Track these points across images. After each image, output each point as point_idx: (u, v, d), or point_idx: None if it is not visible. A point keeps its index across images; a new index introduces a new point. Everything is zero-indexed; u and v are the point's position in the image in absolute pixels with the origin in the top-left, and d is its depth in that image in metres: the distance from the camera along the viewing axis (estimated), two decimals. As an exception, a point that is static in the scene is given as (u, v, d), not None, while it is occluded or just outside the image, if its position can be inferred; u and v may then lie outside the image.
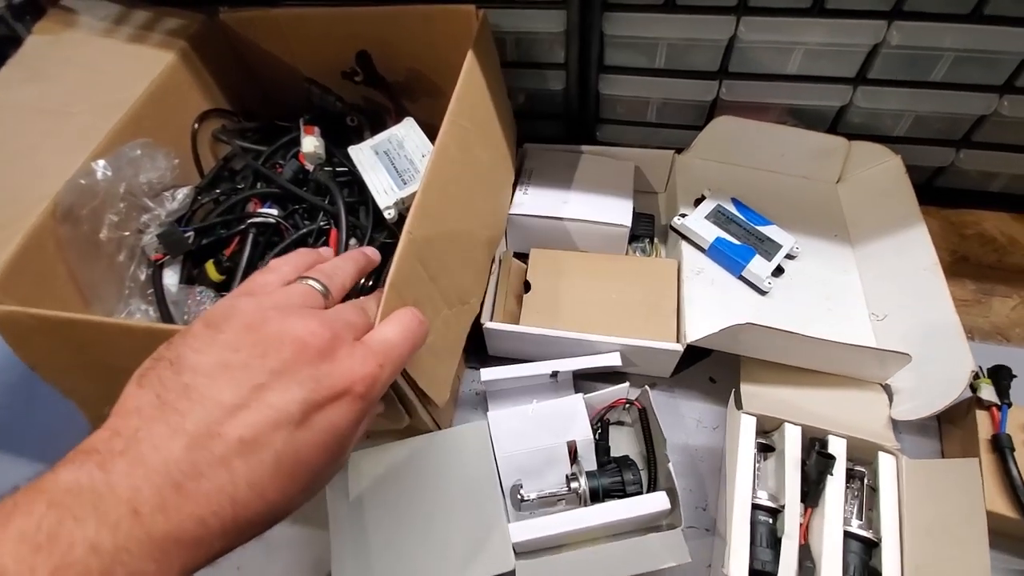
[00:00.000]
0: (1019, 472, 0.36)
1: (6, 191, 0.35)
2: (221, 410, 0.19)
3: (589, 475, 0.40)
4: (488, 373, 0.43)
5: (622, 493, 0.39)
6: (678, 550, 0.34)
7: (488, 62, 0.45)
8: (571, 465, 0.41)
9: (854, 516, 0.38)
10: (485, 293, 0.46)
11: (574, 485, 0.39)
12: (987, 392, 0.40)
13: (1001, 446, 0.37)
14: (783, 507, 0.37)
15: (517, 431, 0.42)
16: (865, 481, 0.39)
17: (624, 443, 0.45)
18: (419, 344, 0.27)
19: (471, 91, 0.42)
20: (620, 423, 0.46)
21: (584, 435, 0.41)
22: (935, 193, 0.57)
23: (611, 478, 0.40)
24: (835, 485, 0.37)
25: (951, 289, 0.51)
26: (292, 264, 0.28)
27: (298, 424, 0.20)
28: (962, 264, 0.53)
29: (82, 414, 0.38)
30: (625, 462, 0.41)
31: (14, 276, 0.33)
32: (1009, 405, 0.39)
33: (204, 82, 0.50)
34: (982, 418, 0.39)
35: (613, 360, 0.44)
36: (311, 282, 0.26)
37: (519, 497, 0.39)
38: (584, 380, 0.48)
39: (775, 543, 0.36)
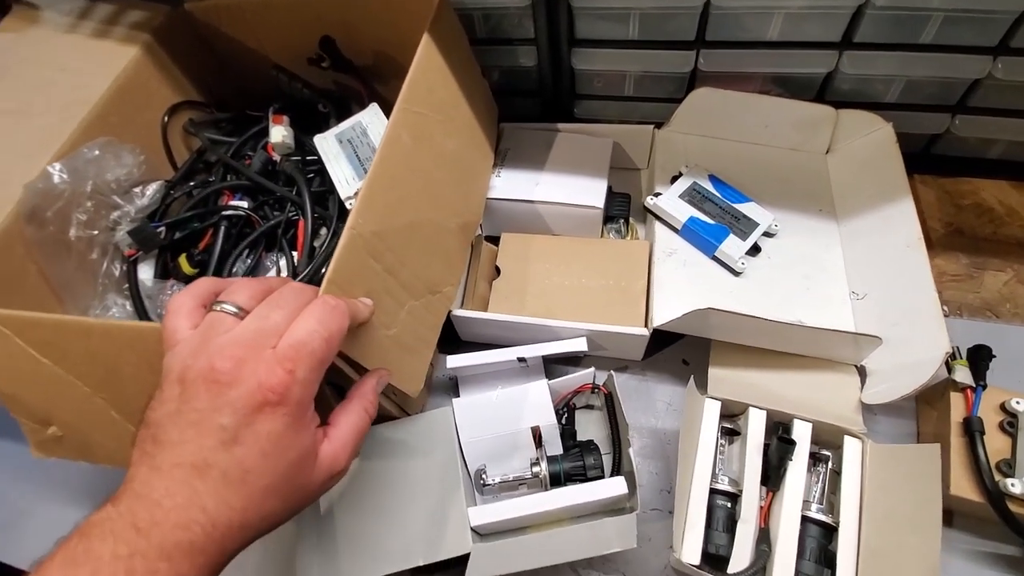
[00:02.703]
0: (986, 456, 0.35)
1: (-30, 196, 0.36)
2: (176, 448, 0.24)
3: (551, 460, 0.40)
4: (454, 360, 0.44)
5: (583, 477, 0.40)
6: (627, 535, 0.34)
7: (451, 43, 0.44)
8: (536, 450, 0.42)
9: (815, 500, 0.37)
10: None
11: (536, 470, 0.40)
12: (961, 374, 0.38)
13: (971, 429, 0.36)
14: (743, 492, 0.37)
15: (482, 417, 0.42)
16: (830, 465, 0.38)
17: (593, 428, 0.45)
18: (339, 329, 0.27)
19: (427, 76, 0.41)
20: (589, 407, 0.46)
21: (548, 420, 0.42)
22: (932, 161, 0.54)
23: (572, 462, 0.40)
24: (796, 469, 0.37)
25: (942, 263, 0.50)
26: (191, 295, 0.29)
27: (232, 443, 0.24)
28: (955, 237, 0.51)
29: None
30: (588, 447, 0.41)
31: (-17, 278, 0.35)
32: (984, 387, 0.38)
33: (172, 75, 0.50)
34: (956, 400, 0.38)
35: (579, 346, 0.44)
36: (220, 307, 0.27)
37: (482, 481, 0.40)
38: (556, 365, 0.48)
39: (732, 527, 0.37)
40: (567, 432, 0.43)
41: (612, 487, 0.37)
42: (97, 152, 0.39)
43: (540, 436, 0.42)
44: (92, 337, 0.32)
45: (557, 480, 0.40)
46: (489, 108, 0.53)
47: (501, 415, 0.42)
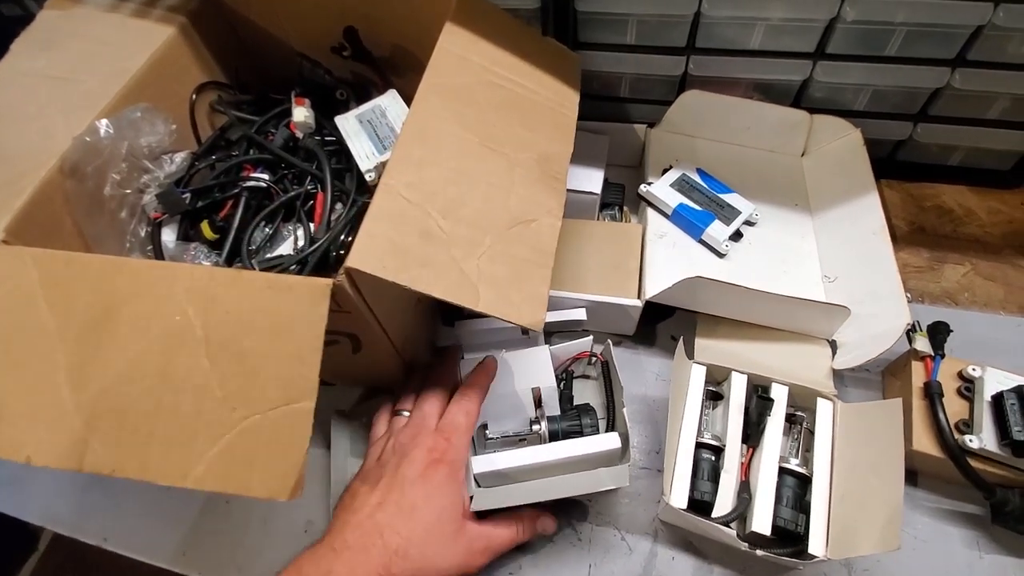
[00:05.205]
0: (945, 415, 0.39)
1: (17, 148, 0.39)
2: (367, 496, 0.36)
3: (550, 419, 0.43)
4: (461, 324, 0.47)
5: (580, 435, 0.42)
6: (620, 477, 0.37)
7: (481, 20, 0.46)
8: (536, 411, 0.45)
9: (792, 455, 0.41)
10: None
11: (536, 428, 0.43)
12: (921, 344, 0.43)
13: (931, 392, 0.40)
14: (726, 446, 0.41)
15: (486, 378, 0.45)
16: (804, 425, 0.42)
17: (589, 396, 0.48)
18: (474, 407, 0.40)
19: (456, 49, 0.43)
20: (586, 377, 0.49)
21: (548, 383, 0.45)
22: (898, 167, 0.59)
23: (570, 422, 0.43)
24: (774, 426, 0.40)
25: (906, 256, 0.54)
26: (385, 411, 0.43)
27: (408, 486, 0.35)
28: (919, 234, 0.56)
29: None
30: (585, 408, 0.44)
31: (24, 224, 0.37)
32: (943, 356, 0.42)
33: (202, 56, 0.53)
34: (917, 368, 0.42)
35: (578, 315, 0.47)
36: (400, 414, 0.41)
37: (484, 436, 0.43)
38: (557, 337, 0.51)
39: (716, 477, 0.40)
40: (565, 396, 0.46)
41: (606, 441, 0.40)
42: (139, 114, 0.41)
43: (540, 397, 0.45)
44: (122, 274, 0.33)
45: (555, 438, 0.42)
46: (557, 54, 0.51)
47: (504, 376, 0.45)
